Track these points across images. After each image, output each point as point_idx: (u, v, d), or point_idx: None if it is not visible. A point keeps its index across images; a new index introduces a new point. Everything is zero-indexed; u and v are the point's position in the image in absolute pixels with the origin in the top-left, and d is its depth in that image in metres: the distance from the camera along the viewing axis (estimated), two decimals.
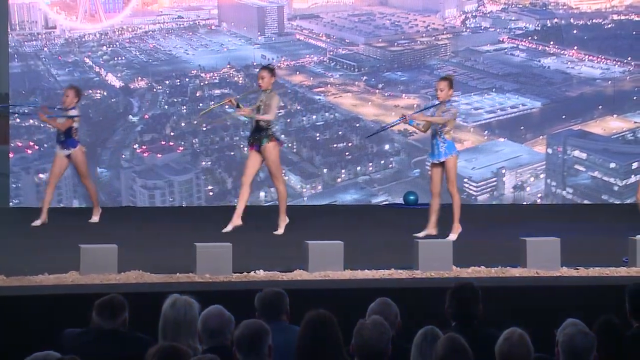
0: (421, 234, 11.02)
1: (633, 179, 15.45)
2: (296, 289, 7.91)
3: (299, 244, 9.47)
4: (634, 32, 16.35)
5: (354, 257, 9.38)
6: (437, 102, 11.36)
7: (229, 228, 11.45)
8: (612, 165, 15.88)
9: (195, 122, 14.48)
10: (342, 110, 15.93)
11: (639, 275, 9.20)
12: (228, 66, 15.85)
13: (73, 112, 12.33)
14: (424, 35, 16.40)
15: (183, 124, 15.38)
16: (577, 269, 9.45)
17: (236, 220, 11.58)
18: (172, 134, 15.46)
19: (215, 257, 8.95)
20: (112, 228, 12.02)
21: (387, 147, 15.89)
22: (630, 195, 15.29)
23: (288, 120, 15.78)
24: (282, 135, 15.68)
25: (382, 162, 15.88)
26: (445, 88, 11.24)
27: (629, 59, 16.27)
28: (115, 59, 15.66)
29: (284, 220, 11.82)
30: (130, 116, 15.51)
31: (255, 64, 15.64)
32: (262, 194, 15.26)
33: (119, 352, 5.76)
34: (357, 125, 15.88)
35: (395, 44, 16.36)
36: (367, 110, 15.96)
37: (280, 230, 11.78)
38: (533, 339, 5.01)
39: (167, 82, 15.62)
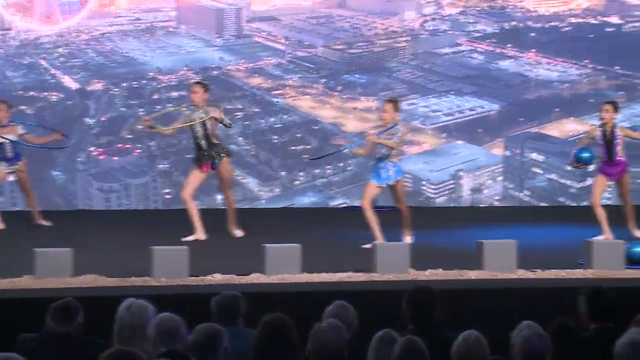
0: (368, 245, 10.90)
1: (589, 181, 15.54)
2: (253, 292, 7.88)
3: (257, 247, 9.43)
4: (591, 35, 16.46)
5: (311, 260, 9.35)
6: (380, 125, 11.05)
7: (190, 238, 11.23)
8: (569, 167, 15.98)
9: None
10: (300, 113, 15.90)
11: (595, 277, 9.25)
12: (186, 68, 15.78)
13: (21, 128, 12.11)
14: (382, 37, 16.41)
15: (140, 127, 15.30)
16: (534, 271, 9.48)
17: (200, 235, 11.37)
18: (128, 136, 15.37)
19: (172, 261, 8.90)
20: (67, 231, 11.91)
21: (345, 150, 15.87)
22: (587, 197, 15.39)
23: (246, 122, 15.73)
24: (240, 138, 15.63)
25: (341, 164, 15.87)
26: (390, 110, 10.89)
27: (586, 61, 16.37)
28: (72, 61, 15.54)
29: (237, 229, 11.72)
30: (87, 119, 15.39)
31: (213, 66, 15.58)
32: (219, 197, 15.18)
33: (73, 357, 5.70)
34: (316, 127, 15.86)
35: (354, 46, 16.36)
36: (325, 113, 15.94)
37: (239, 233, 11.70)
38: (489, 341, 5.01)
39: (124, 84, 15.52)
